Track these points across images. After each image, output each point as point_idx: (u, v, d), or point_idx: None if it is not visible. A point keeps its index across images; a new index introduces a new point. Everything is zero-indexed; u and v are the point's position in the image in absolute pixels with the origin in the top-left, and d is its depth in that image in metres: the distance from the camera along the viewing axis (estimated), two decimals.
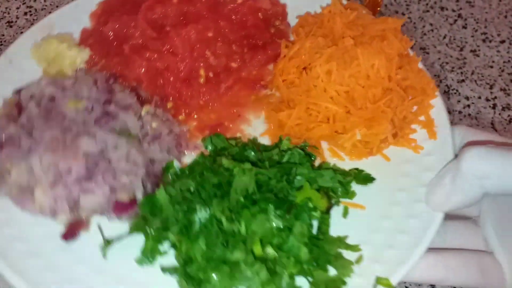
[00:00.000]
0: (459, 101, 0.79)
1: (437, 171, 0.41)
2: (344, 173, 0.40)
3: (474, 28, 0.89)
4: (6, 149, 0.35)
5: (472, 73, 0.82)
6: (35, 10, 0.94)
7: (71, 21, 0.50)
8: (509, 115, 0.77)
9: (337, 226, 0.40)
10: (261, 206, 0.36)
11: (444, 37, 0.88)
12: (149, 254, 0.37)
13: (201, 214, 0.36)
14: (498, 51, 0.86)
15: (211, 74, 0.45)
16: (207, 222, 0.36)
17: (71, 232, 0.37)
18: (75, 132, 0.36)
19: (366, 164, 0.42)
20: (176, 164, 0.41)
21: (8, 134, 0.35)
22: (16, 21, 0.92)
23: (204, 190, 0.37)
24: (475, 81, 0.81)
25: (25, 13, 0.93)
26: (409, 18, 0.91)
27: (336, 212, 0.41)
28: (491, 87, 0.81)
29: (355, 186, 0.41)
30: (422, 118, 0.44)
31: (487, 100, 0.79)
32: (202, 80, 0.45)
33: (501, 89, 0.80)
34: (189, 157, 0.43)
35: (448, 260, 0.40)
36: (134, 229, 0.37)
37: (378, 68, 0.40)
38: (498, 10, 0.93)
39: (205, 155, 0.42)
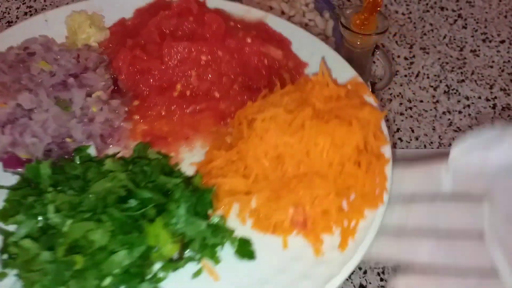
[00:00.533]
0: (459, 101, 0.79)
1: (321, 285, 0.37)
2: (225, 234, 0.37)
3: (474, 28, 0.89)
4: None
5: (472, 73, 0.82)
6: (35, 10, 0.94)
7: (116, 10, 0.55)
8: (509, 115, 0.77)
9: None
10: (101, 218, 0.36)
11: (444, 37, 0.88)
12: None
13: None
14: (498, 51, 0.86)
15: (188, 92, 0.46)
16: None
17: None
18: (23, 86, 0.41)
19: (265, 241, 0.39)
20: (93, 152, 0.43)
21: None
22: (16, 21, 0.92)
23: (78, 180, 0.38)
24: (475, 81, 0.81)
25: (25, 13, 0.93)
26: (409, 18, 0.91)
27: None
28: (491, 87, 0.81)
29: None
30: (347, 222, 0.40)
31: (487, 100, 0.79)
32: (175, 94, 0.46)
33: (501, 89, 0.80)
34: (112, 150, 0.45)
35: (442, 282, 0.39)
36: (16, 186, 0.40)
37: (321, 149, 0.39)
38: (498, 10, 0.93)
39: (120, 158, 0.43)
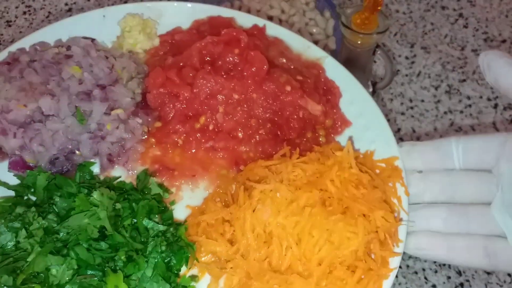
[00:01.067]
0: (460, 101, 0.79)
1: None
2: None
3: (475, 27, 0.89)
4: (12, 66, 0.42)
5: (473, 73, 0.82)
6: (34, 9, 0.93)
7: (173, 18, 0.54)
8: (510, 115, 0.77)
9: None
10: (66, 253, 0.37)
11: (445, 37, 0.87)
12: None
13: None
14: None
15: (210, 127, 0.44)
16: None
17: None
18: (49, 89, 0.41)
19: None
20: (97, 170, 0.43)
21: (15, 58, 0.43)
22: (15, 21, 0.92)
23: (66, 199, 0.39)
24: (477, 80, 0.81)
25: (24, 13, 0.93)
26: (410, 17, 0.91)
27: None
28: (492, 87, 0.80)
29: None
30: None
31: (489, 99, 0.79)
32: (198, 126, 0.44)
33: None
34: (117, 172, 0.44)
35: (452, 242, 0.41)
36: (15, 188, 0.41)
37: (313, 243, 0.35)
38: (499, 10, 0.92)
39: (121, 182, 0.43)
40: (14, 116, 0.41)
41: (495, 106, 0.78)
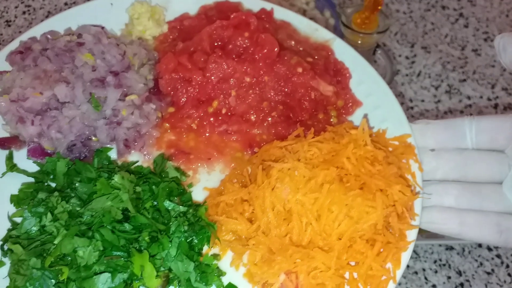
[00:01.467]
0: (460, 101, 0.78)
1: None
2: (213, 279, 0.38)
3: (475, 27, 0.89)
4: (14, 56, 0.42)
5: (474, 73, 0.82)
6: (33, 9, 0.93)
7: (180, 4, 0.53)
8: None
9: None
10: (91, 235, 0.38)
11: (446, 36, 0.87)
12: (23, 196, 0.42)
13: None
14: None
15: (223, 111, 0.44)
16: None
17: (5, 140, 0.43)
18: (63, 77, 0.41)
19: None
20: (114, 156, 0.44)
21: (27, 47, 0.43)
22: (14, 20, 0.91)
23: (86, 184, 0.40)
24: (477, 80, 0.81)
25: (24, 12, 0.93)
26: (410, 17, 0.91)
27: None
28: (492, 87, 0.80)
29: None
30: None
31: (489, 99, 0.79)
32: (211, 110, 0.45)
33: (502, 89, 0.80)
34: (133, 157, 0.45)
35: (465, 217, 0.42)
36: (35, 175, 0.42)
37: (330, 221, 0.37)
38: (500, 9, 0.92)
39: (139, 167, 0.44)
40: (31, 103, 0.41)
41: (495, 106, 0.78)
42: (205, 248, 0.42)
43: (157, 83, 0.47)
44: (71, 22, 0.53)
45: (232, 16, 0.47)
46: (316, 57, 0.48)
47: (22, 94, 0.41)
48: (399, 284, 0.60)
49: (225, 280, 0.40)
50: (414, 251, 0.63)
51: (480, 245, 0.63)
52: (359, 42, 0.53)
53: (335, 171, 0.38)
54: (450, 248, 0.63)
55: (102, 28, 0.50)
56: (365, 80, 0.49)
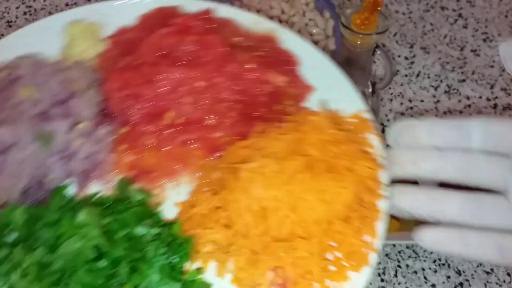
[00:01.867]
0: (459, 101, 0.79)
1: None
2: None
3: (474, 28, 0.89)
4: None
5: (473, 73, 0.82)
6: (35, 10, 0.94)
7: (116, 17, 0.51)
8: (510, 115, 0.77)
9: None
10: (67, 283, 0.34)
11: (445, 37, 0.88)
12: None
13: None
14: (498, 51, 0.86)
15: (180, 121, 0.42)
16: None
17: None
18: (4, 118, 0.37)
19: None
20: (71, 190, 0.40)
21: None
22: (15, 21, 0.92)
23: (51, 229, 0.36)
24: (476, 80, 0.81)
25: (25, 13, 0.93)
26: (409, 17, 0.91)
27: None
28: (492, 87, 0.81)
29: None
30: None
31: (488, 99, 0.79)
32: (166, 122, 0.43)
33: (502, 89, 0.80)
34: (94, 188, 0.42)
35: (468, 237, 0.41)
36: None
37: (308, 205, 0.37)
38: (499, 10, 0.92)
39: (101, 197, 0.41)
40: None
41: (495, 106, 0.78)
42: (188, 265, 0.39)
43: (106, 105, 0.44)
44: (5, 54, 0.48)
45: (172, 22, 0.45)
46: (264, 50, 0.47)
47: None
48: (399, 283, 0.60)
49: None
50: (414, 251, 0.63)
51: None
52: (359, 42, 0.53)
53: (303, 160, 0.38)
54: None
55: (39, 56, 0.46)
56: (315, 65, 0.49)
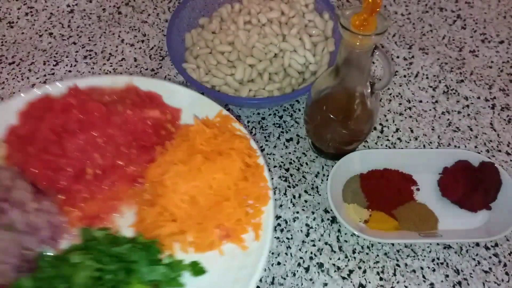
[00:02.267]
0: (458, 101, 0.79)
1: (254, 268, 0.49)
2: (179, 266, 0.49)
3: (473, 28, 0.90)
4: None
5: (471, 74, 0.83)
6: (36, 11, 0.94)
7: (2, 122, 0.59)
8: (508, 115, 0.78)
9: None
10: None
11: (443, 38, 0.88)
12: None
13: None
14: (497, 52, 0.86)
15: (98, 171, 0.54)
16: None
17: None
18: None
19: (208, 257, 0.51)
20: (50, 252, 0.50)
21: None
22: (17, 22, 0.92)
23: (57, 279, 0.45)
24: (474, 81, 0.82)
25: (26, 14, 0.94)
26: (408, 18, 0.91)
27: None
28: (490, 88, 0.81)
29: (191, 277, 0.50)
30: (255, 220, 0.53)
31: (486, 100, 0.79)
32: (89, 177, 0.54)
33: (500, 89, 0.81)
34: (66, 244, 0.52)
35: None
36: None
37: (218, 181, 0.52)
38: (497, 11, 0.93)
39: (75, 245, 0.51)
40: None
41: (493, 106, 0.79)
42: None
43: (34, 186, 0.53)
44: None
45: (55, 106, 0.55)
46: (130, 97, 0.59)
47: None
48: (397, 282, 0.60)
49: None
50: (412, 250, 0.63)
51: (477, 244, 0.64)
52: (358, 43, 0.54)
53: (200, 156, 0.52)
54: (448, 247, 0.64)
55: None
56: (170, 93, 0.63)
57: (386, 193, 0.66)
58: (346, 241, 0.64)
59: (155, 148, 0.55)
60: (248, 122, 0.76)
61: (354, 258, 0.63)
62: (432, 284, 0.61)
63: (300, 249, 0.62)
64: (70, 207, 0.53)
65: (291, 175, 0.69)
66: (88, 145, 0.53)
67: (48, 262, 0.48)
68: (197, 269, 0.50)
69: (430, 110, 0.78)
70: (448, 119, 0.77)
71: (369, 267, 0.62)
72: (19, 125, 0.58)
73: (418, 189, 0.68)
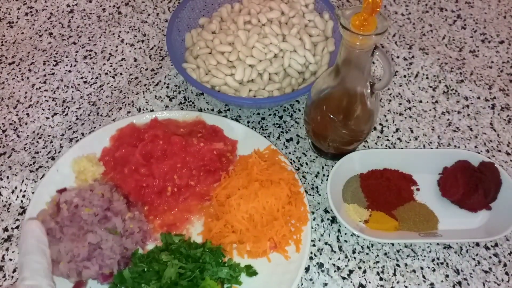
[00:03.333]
0: (458, 101, 0.79)
1: (295, 273, 0.59)
2: (238, 268, 0.60)
3: (473, 28, 0.90)
4: (48, 237, 0.59)
5: (471, 74, 0.83)
6: (36, 11, 0.94)
7: (97, 142, 0.71)
8: (508, 115, 0.78)
9: None
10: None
11: (443, 38, 0.88)
12: None
13: None
14: (497, 52, 0.86)
15: (175, 189, 0.67)
16: None
17: (76, 287, 0.60)
18: (85, 230, 0.60)
19: (258, 262, 0.62)
20: (140, 251, 0.62)
21: (49, 227, 0.60)
22: (17, 22, 0.92)
23: (150, 272, 0.58)
24: (474, 81, 0.82)
25: (26, 14, 0.93)
26: (408, 18, 0.91)
27: None
28: (490, 88, 0.81)
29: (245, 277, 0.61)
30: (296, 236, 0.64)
31: (486, 100, 0.79)
32: (168, 193, 0.67)
33: (500, 89, 0.81)
34: (151, 245, 0.64)
35: None
36: None
37: (270, 204, 0.63)
38: (497, 11, 0.93)
39: (158, 247, 0.62)
40: (81, 256, 0.58)
41: (493, 106, 0.79)
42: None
43: (126, 199, 0.66)
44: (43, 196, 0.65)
45: (146, 136, 0.69)
46: (200, 131, 0.73)
47: (71, 254, 0.58)
48: (397, 282, 0.60)
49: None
50: (412, 250, 0.63)
51: (477, 244, 0.64)
52: (358, 43, 0.54)
53: (257, 183, 0.64)
54: (448, 247, 0.64)
55: (65, 189, 0.66)
56: (229, 128, 0.74)
57: (386, 193, 0.66)
58: (346, 241, 0.64)
59: (220, 172, 0.69)
60: (248, 122, 0.76)
61: (354, 258, 0.63)
62: (432, 284, 0.61)
63: None
64: (153, 216, 0.66)
65: None
66: (169, 169, 0.67)
67: (140, 259, 0.60)
68: (251, 271, 0.61)
69: (430, 110, 0.78)
70: (448, 119, 0.77)
71: (369, 267, 0.62)
72: (112, 148, 0.71)
73: (418, 189, 0.68)
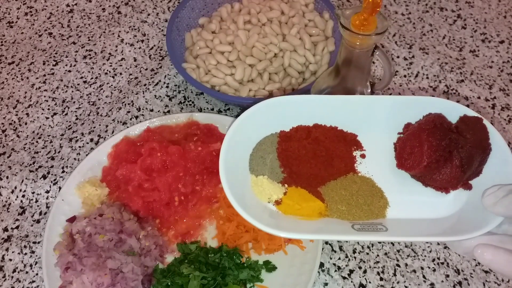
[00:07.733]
0: (458, 101, 0.79)
1: (313, 263, 0.59)
2: (258, 266, 0.61)
3: (473, 28, 0.90)
4: (69, 271, 0.59)
5: (472, 73, 0.83)
6: (36, 10, 0.94)
7: (96, 163, 0.70)
8: (508, 115, 0.78)
9: None
10: None
11: (444, 38, 0.88)
12: None
13: None
14: (497, 51, 0.86)
15: (182, 198, 0.67)
16: None
17: None
18: (104, 257, 0.59)
19: (276, 257, 0.63)
20: (161, 265, 0.63)
21: (69, 261, 0.60)
22: (16, 22, 0.92)
23: (174, 286, 0.59)
24: (475, 81, 0.82)
25: (26, 14, 0.93)
26: (408, 18, 0.91)
27: None
28: (490, 87, 0.81)
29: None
30: None
31: (487, 100, 0.79)
32: (176, 203, 0.66)
33: (500, 89, 0.81)
34: (170, 257, 0.64)
35: (499, 252, 0.37)
36: None
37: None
38: (498, 11, 0.93)
39: (177, 258, 0.63)
40: (106, 284, 0.58)
41: (493, 106, 0.79)
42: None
43: (137, 215, 0.66)
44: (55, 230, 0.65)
45: (142, 150, 0.68)
46: (195, 133, 0.71)
47: (95, 284, 0.58)
48: (398, 282, 0.60)
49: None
50: (412, 250, 0.63)
51: None
52: (358, 43, 0.54)
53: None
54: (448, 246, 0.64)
55: (74, 217, 0.65)
56: (222, 124, 0.72)
57: (311, 160, 0.46)
58: (346, 240, 0.64)
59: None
60: None
61: (355, 258, 0.63)
62: (432, 284, 0.61)
63: None
64: (166, 228, 0.66)
65: None
66: (173, 179, 0.67)
67: (162, 273, 0.61)
68: (270, 267, 0.61)
69: None
70: None
71: (370, 267, 0.62)
72: (112, 167, 0.70)
73: (363, 156, 0.48)
